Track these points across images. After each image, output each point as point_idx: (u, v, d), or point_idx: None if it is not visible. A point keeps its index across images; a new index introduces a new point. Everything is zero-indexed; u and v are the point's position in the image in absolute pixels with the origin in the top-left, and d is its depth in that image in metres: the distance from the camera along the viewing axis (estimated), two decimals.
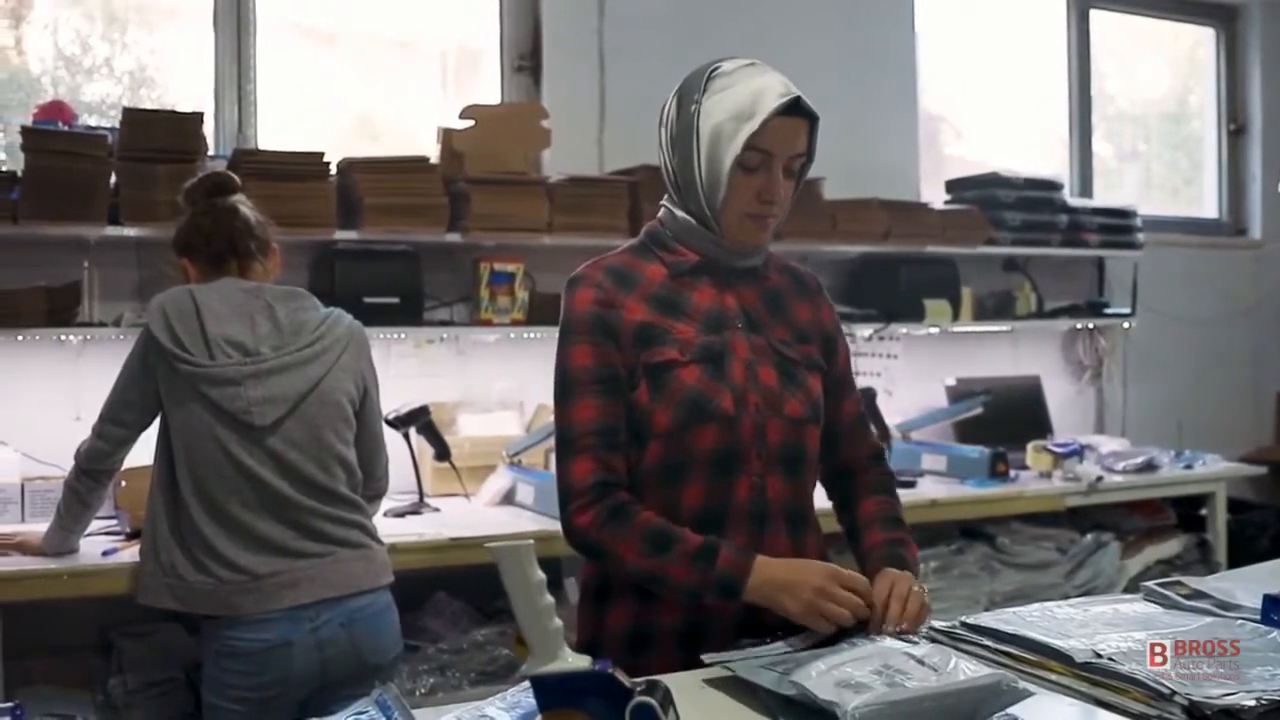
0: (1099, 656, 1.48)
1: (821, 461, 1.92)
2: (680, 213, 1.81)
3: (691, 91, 1.75)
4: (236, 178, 2.62)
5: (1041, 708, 1.41)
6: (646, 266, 1.82)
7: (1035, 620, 1.67)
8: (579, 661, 1.18)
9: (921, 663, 1.41)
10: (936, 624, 1.69)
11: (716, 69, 1.75)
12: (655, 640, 1.74)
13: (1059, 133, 5.26)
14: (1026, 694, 1.36)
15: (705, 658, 1.56)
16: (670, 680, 1.29)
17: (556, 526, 1.81)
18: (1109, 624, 1.65)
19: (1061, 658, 1.52)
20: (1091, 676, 1.47)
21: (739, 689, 1.51)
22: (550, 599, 1.19)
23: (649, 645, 1.74)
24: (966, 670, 1.39)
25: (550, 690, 1.18)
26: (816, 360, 1.86)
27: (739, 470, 1.74)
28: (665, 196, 1.85)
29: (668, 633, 1.74)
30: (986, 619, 1.71)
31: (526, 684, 1.26)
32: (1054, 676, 1.51)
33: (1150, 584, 1.86)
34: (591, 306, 1.76)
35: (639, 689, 1.15)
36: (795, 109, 1.71)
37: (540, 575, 1.20)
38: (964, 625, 1.68)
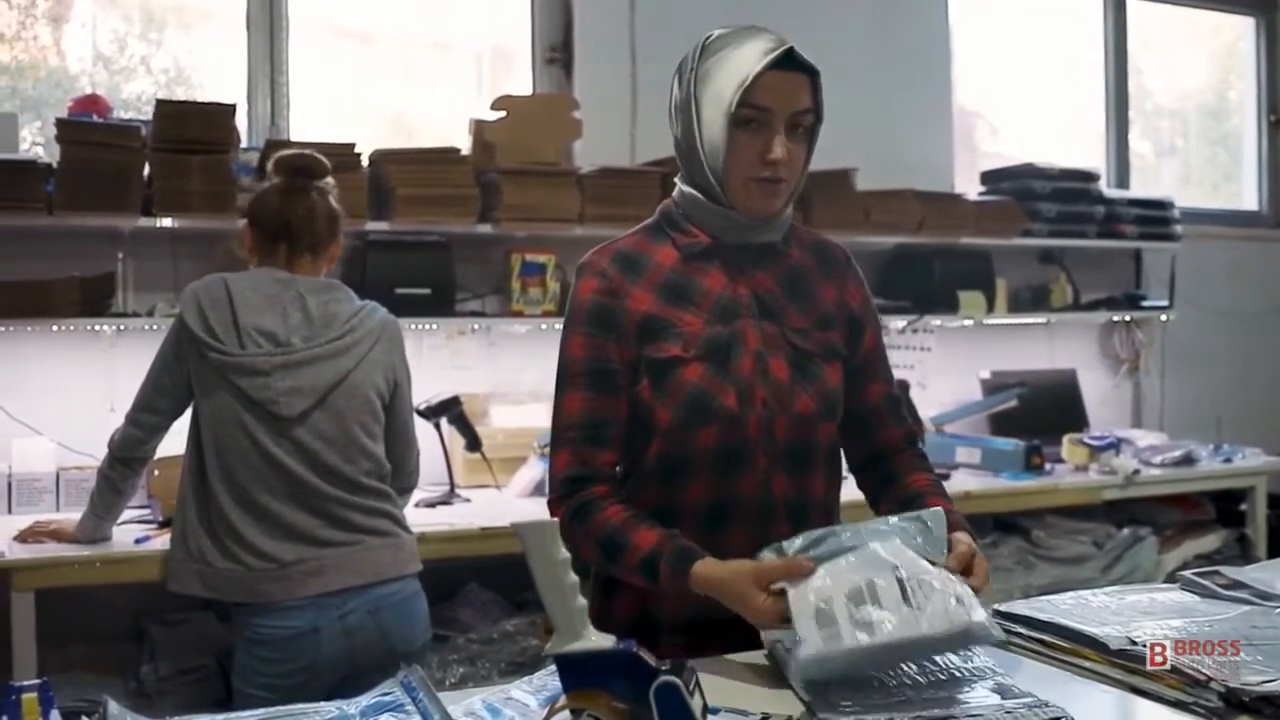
0: (1134, 644, 1.46)
1: (852, 451, 1.84)
2: (688, 188, 1.77)
3: (688, 62, 1.74)
4: (326, 162, 2.59)
5: (1076, 695, 1.40)
6: (658, 249, 1.78)
7: (1069, 608, 1.66)
8: (603, 641, 1.17)
9: (903, 587, 1.40)
10: None
11: (709, 37, 1.75)
12: (661, 629, 1.70)
13: (1096, 129, 5.19)
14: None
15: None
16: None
17: None
18: (1144, 612, 1.63)
19: (1096, 645, 1.50)
20: (1126, 664, 1.45)
21: (761, 670, 1.51)
22: (575, 577, 1.18)
23: (654, 634, 1.69)
24: (940, 610, 1.39)
25: (574, 670, 1.16)
26: (836, 349, 1.78)
27: (744, 468, 1.69)
28: (678, 175, 1.81)
29: (672, 623, 1.69)
30: (1020, 607, 1.69)
31: (553, 668, 1.25)
32: (1088, 664, 1.50)
33: (1187, 573, 1.83)
34: (593, 296, 1.74)
35: (664, 668, 1.13)
36: (793, 64, 1.67)
37: (565, 553, 1.19)
38: (997, 613, 1.66)
